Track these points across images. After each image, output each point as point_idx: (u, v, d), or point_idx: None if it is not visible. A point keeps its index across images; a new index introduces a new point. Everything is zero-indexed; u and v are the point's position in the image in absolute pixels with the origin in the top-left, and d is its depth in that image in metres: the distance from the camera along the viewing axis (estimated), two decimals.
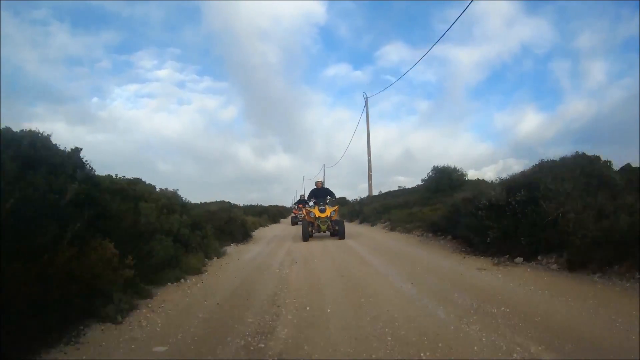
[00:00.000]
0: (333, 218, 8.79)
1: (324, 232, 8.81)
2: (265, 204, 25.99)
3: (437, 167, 14.23)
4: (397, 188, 18.13)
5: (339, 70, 76.60)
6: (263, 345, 2.12)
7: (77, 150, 3.89)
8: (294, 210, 17.00)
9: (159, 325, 2.56)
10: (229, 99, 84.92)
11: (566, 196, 4.58)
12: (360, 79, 74.60)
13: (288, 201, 68.09)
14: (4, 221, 2.16)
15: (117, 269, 3.06)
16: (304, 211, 10.37)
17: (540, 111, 63.58)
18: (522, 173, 5.65)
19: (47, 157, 3.55)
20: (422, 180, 14.95)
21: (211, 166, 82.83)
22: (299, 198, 18.17)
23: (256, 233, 10.79)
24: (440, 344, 2.03)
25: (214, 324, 2.56)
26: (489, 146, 65.90)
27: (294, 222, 15.85)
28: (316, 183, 10.02)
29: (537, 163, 6.32)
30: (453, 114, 72.41)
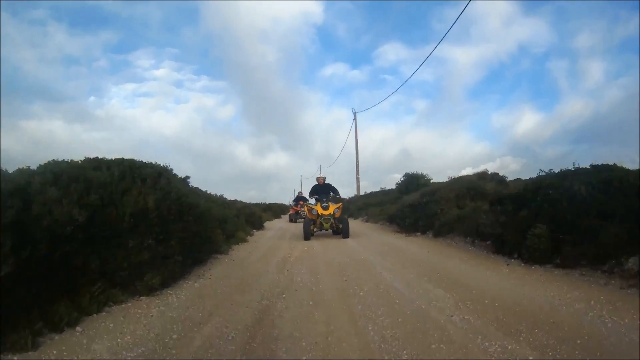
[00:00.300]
0: (336, 215, 8.57)
1: (327, 230, 8.70)
2: (264, 202, 29.20)
3: (408, 173, 17.90)
4: (379, 189, 21.87)
5: (336, 70, 75.09)
6: (289, 256, 5.79)
7: (187, 177, 7.51)
8: (292, 208, 17.10)
9: (244, 253, 6.23)
10: (227, 98, 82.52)
11: (448, 200, 8.29)
12: (358, 78, 71.84)
13: (286, 199, 68.21)
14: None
15: (218, 235, 6.75)
16: (305, 208, 9.97)
17: (538, 111, 61.45)
18: (432, 186, 9.35)
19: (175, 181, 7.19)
20: (396, 184, 18.71)
21: (209, 164, 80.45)
22: (296, 195, 18.29)
23: (266, 224, 14.48)
24: (355, 260, 5.72)
25: (266, 254, 6.24)
26: (486, 145, 63.87)
27: (292, 220, 15.91)
28: (318, 179, 9.52)
29: (450, 179, 10.05)
30: (451, 114, 70.62)
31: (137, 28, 61.63)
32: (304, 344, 2.25)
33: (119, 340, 2.38)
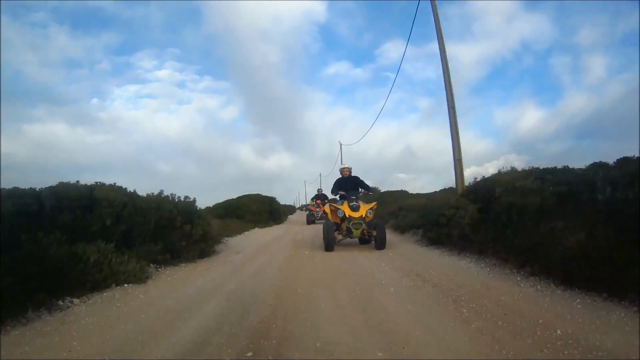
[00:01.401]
0: (368, 219, 6.71)
1: (355, 237, 6.85)
2: None
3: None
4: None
5: (339, 69, 75.00)
6: (304, 224, 18.05)
7: (275, 198, 19.80)
8: (309, 207, 16.58)
9: (285, 223, 18.57)
10: (230, 99, 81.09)
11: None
12: (361, 76, 72.08)
13: (290, 200, 68.77)
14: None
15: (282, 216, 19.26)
16: (326, 208, 7.90)
17: (540, 107, 61.39)
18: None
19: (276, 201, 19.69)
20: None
21: (212, 166, 79.67)
22: (316, 192, 17.24)
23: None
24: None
25: (293, 223, 18.56)
26: (489, 142, 62.83)
27: (310, 221, 15.43)
28: (342, 171, 7.67)
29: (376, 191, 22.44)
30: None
31: (138, 29, 59.79)
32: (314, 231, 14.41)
33: (271, 228, 14.60)
